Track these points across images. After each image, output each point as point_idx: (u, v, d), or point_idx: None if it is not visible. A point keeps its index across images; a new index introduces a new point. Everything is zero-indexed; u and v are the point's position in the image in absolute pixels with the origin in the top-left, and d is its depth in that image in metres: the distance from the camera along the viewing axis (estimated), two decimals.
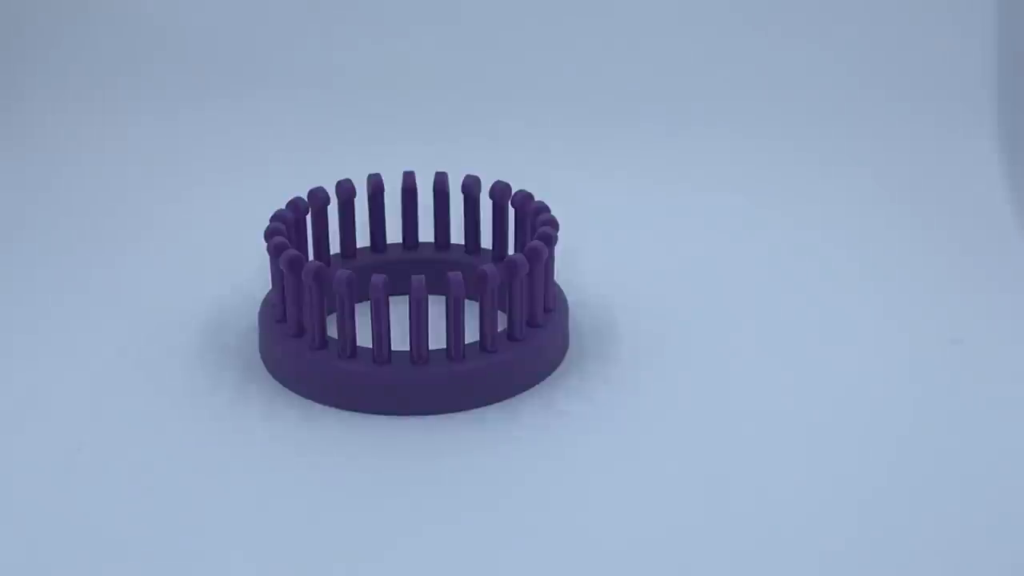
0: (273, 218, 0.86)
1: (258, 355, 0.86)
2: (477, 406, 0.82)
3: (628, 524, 0.75)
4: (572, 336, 0.88)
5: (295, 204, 0.87)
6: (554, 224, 0.85)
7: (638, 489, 0.77)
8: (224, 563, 0.72)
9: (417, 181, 0.91)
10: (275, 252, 0.83)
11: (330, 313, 0.86)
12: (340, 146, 1.07)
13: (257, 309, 0.88)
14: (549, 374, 0.85)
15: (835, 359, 0.87)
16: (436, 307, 0.83)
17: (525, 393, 0.83)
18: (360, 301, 0.83)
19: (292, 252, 0.82)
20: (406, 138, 1.08)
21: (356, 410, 0.82)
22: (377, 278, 0.80)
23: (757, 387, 0.84)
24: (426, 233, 0.93)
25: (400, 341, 0.83)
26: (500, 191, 0.89)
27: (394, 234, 0.93)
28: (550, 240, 0.84)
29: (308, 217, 0.88)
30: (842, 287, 0.94)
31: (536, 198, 0.88)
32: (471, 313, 0.85)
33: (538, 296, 0.84)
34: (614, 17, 1.12)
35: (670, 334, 0.89)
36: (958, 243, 0.99)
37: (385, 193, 0.91)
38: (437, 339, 0.82)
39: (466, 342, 0.82)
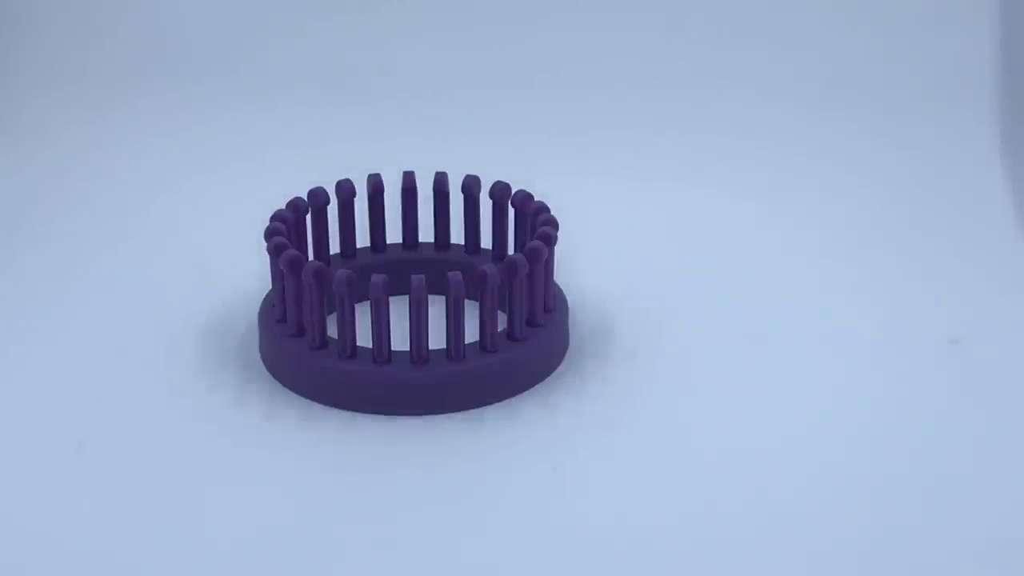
0: (273, 218, 0.86)
1: (258, 355, 0.86)
2: (477, 406, 0.82)
3: (628, 524, 0.75)
4: (572, 336, 0.88)
5: (295, 204, 0.87)
6: (554, 224, 0.85)
7: (638, 489, 0.77)
8: (224, 563, 0.72)
9: (417, 181, 0.91)
10: (275, 252, 0.83)
11: (330, 313, 0.86)
12: (340, 146, 1.07)
13: (257, 309, 0.88)
14: (549, 374, 0.85)
15: (834, 359, 0.87)
16: (436, 307, 0.83)
17: (525, 393, 0.83)
18: (360, 301, 0.83)
19: (292, 252, 0.82)
20: (406, 138, 1.08)
21: (356, 410, 0.82)
22: (377, 278, 0.80)
23: (756, 387, 0.84)
24: (426, 233, 0.93)
25: (400, 341, 0.83)
26: (500, 191, 0.89)
27: (394, 234, 0.93)
28: (550, 240, 0.84)
29: (308, 217, 0.88)
30: (841, 287, 0.94)
31: (536, 198, 0.88)
32: (471, 313, 0.85)
33: (538, 296, 0.84)
34: (615, 17, 1.12)
35: (669, 334, 0.89)
36: (958, 243, 0.99)
37: (385, 193, 0.91)
38: (437, 339, 0.82)
39: (466, 342, 0.82)
